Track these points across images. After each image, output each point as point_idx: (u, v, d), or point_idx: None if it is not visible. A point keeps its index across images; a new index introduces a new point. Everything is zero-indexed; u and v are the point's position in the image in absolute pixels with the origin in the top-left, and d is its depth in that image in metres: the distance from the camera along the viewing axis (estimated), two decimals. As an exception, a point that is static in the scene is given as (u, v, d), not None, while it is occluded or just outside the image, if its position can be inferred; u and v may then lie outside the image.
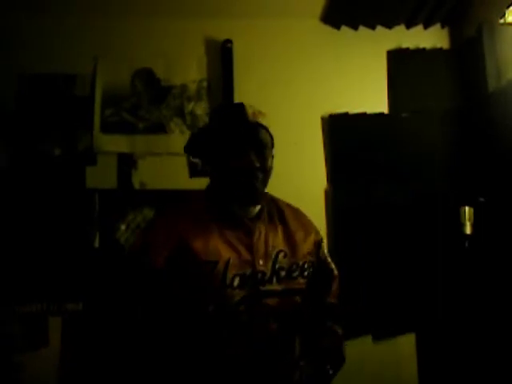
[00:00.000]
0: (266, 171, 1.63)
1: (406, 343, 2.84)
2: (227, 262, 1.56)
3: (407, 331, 2.83)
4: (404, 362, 2.83)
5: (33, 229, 2.71)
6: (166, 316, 1.60)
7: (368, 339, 2.80)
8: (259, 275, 1.60)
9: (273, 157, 1.68)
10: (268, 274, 1.61)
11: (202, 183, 2.81)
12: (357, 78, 3.01)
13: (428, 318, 2.78)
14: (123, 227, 2.76)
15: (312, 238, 1.78)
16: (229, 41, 2.94)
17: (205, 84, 2.97)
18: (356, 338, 2.72)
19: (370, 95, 3.00)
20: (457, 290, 2.67)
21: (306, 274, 1.69)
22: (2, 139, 2.81)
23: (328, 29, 3.06)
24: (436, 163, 2.92)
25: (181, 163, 2.87)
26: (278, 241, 1.68)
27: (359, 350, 2.69)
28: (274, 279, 1.62)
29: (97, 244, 2.75)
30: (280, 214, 1.76)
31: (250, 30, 2.99)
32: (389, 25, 3.04)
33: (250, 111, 1.63)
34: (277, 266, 1.63)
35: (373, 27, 3.05)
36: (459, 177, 2.84)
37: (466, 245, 2.56)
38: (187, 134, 2.89)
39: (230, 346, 1.55)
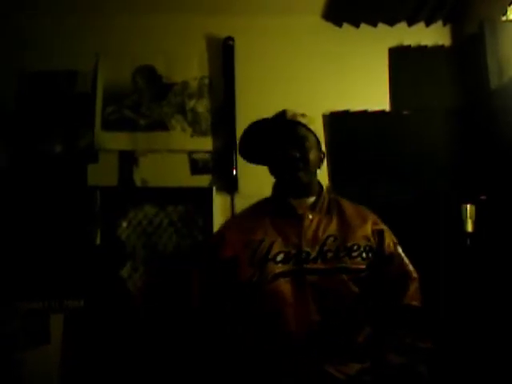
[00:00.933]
0: (308, 161, 1.84)
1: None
2: (273, 241, 1.77)
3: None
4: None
5: (34, 226, 2.72)
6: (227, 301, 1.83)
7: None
8: (303, 255, 1.75)
9: (322, 152, 1.96)
10: (313, 254, 1.76)
11: (203, 180, 2.87)
12: (358, 75, 3.00)
13: (429, 316, 2.77)
14: (124, 224, 2.77)
15: (369, 225, 1.90)
16: (230, 38, 2.94)
17: (206, 81, 2.97)
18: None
19: (372, 93, 2.99)
20: (459, 287, 2.67)
21: (354, 254, 1.79)
22: (2, 137, 2.81)
23: (329, 26, 3.06)
24: (438, 161, 2.91)
25: (182, 160, 2.87)
26: (330, 228, 1.84)
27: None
28: (319, 260, 1.76)
29: (98, 241, 2.75)
30: (339, 207, 1.93)
31: (251, 27, 2.99)
32: (390, 22, 3.04)
33: (289, 113, 1.87)
34: (324, 249, 1.77)
35: (374, 24, 3.05)
36: (461, 174, 2.84)
37: (468, 242, 2.55)
38: (188, 131, 2.90)
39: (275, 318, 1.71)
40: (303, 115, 1.90)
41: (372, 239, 1.87)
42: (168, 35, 2.96)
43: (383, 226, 1.96)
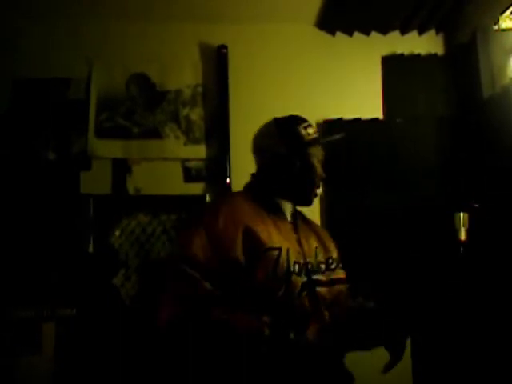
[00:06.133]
0: None
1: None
2: (288, 250, 1.66)
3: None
4: (399, 365, 2.82)
5: (27, 233, 2.70)
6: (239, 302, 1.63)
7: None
8: (309, 265, 1.71)
9: None
10: (314, 265, 1.73)
11: (196, 188, 2.86)
12: (352, 83, 3.02)
13: (423, 323, 2.78)
14: (117, 232, 2.76)
15: (330, 238, 1.93)
16: (224, 46, 2.94)
17: (200, 89, 2.97)
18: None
19: (365, 101, 3.01)
20: (452, 295, 2.68)
21: (341, 265, 1.83)
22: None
23: (323, 34, 3.08)
24: (431, 169, 2.92)
25: (175, 168, 2.88)
26: (312, 238, 1.83)
27: (354, 354, 2.68)
28: (320, 271, 1.75)
29: (91, 249, 2.74)
30: (304, 218, 1.91)
31: (245, 36, 3.00)
32: (383, 30, 3.05)
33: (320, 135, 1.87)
34: (318, 259, 1.76)
35: (367, 33, 3.06)
36: (454, 182, 2.85)
37: (461, 250, 2.56)
38: (182, 140, 2.90)
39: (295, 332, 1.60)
40: None
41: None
42: (162, 43, 2.97)
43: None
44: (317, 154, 1.82)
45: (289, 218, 1.80)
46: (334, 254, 1.86)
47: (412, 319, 2.76)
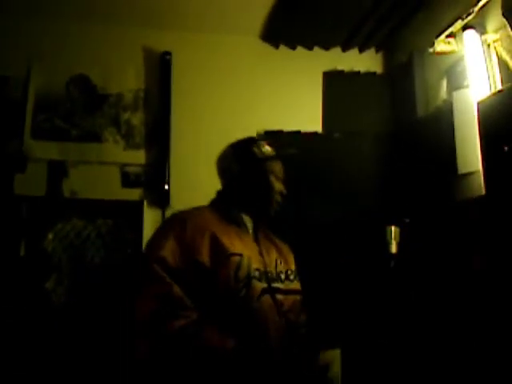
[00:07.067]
0: None
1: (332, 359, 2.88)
2: (249, 257, 1.78)
3: (333, 347, 2.87)
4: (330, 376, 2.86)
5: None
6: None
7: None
8: (269, 274, 1.83)
9: None
10: (274, 274, 1.85)
11: (133, 194, 2.84)
12: (293, 96, 3.07)
13: (354, 335, 2.83)
14: (51, 236, 2.69)
15: (290, 249, 2.07)
16: (168, 53, 2.94)
17: (142, 94, 2.95)
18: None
19: (305, 114, 3.07)
20: (382, 307, 2.74)
21: (296, 278, 1.96)
22: None
23: (267, 47, 3.12)
24: (367, 183, 3.00)
25: (114, 173, 2.84)
26: (273, 250, 1.95)
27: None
28: (279, 280, 1.86)
29: (22, 252, 2.66)
30: (266, 231, 2.02)
31: (190, 44, 3.02)
32: (326, 46, 3.13)
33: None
34: (277, 270, 1.88)
35: (310, 48, 3.13)
36: (387, 197, 2.93)
37: (392, 264, 2.63)
38: (121, 144, 2.87)
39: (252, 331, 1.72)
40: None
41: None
42: (105, 46, 2.93)
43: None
44: (273, 170, 1.95)
45: (250, 230, 1.92)
46: (293, 267, 1.99)
47: (343, 330, 2.81)
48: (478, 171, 2.27)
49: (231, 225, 1.86)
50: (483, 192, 2.22)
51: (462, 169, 2.40)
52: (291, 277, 1.93)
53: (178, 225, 1.79)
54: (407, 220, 2.64)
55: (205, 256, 1.72)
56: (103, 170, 2.82)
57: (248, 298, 1.73)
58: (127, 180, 2.84)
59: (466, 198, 2.37)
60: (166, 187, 2.80)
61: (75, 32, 2.91)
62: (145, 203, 2.81)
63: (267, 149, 1.97)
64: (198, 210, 1.91)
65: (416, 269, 2.61)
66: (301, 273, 2.78)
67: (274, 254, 1.93)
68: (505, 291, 2.02)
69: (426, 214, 2.63)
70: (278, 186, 1.95)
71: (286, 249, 2.05)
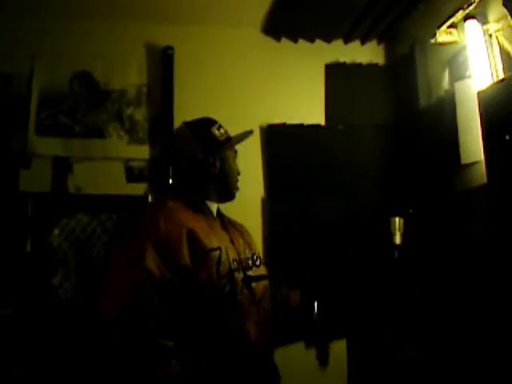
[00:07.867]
0: None
1: (338, 349, 2.89)
2: (226, 249, 1.74)
3: (339, 338, 2.89)
4: (335, 367, 2.88)
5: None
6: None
7: (301, 346, 2.84)
8: (243, 263, 1.80)
9: None
10: (245, 262, 1.81)
11: (138, 188, 2.85)
12: (295, 89, 3.08)
13: (359, 326, 2.84)
14: (56, 232, 2.71)
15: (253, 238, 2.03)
16: (170, 47, 2.94)
17: (144, 89, 2.96)
18: (289, 345, 2.76)
19: (308, 107, 3.07)
20: (387, 298, 2.75)
21: (261, 262, 1.92)
22: None
23: (268, 40, 3.12)
24: (370, 175, 3.01)
25: (118, 168, 2.85)
26: (239, 235, 1.91)
27: (292, 356, 2.72)
28: (251, 267, 1.83)
29: (28, 248, 2.68)
30: (226, 216, 1.97)
31: (191, 38, 3.01)
32: (327, 39, 3.13)
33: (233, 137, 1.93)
34: (246, 256, 1.85)
35: (312, 40, 3.13)
36: (391, 188, 2.94)
37: (396, 255, 2.64)
38: (125, 139, 2.88)
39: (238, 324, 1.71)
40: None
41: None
42: (107, 41, 2.94)
43: None
44: (231, 154, 1.92)
45: (215, 216, 1.88)
46: (256, 251, 1.96)
47: (349, 320, 2.83)
48: (481, 161, 2.26)
49: (198, 214, 1.78)
50: (485, 181, 2.21)
51: (465, 159, 2.40)
52: (257, 262, 1.89)
53: (148, 224, 1.69)
54: (411, 211, 2.65)
55: (186, 256, 1.65)
56: (107, 165, 2.83)
57: (232, 293, 1.70)
58: (131, 175, 2.85)
59: (469, 187, 2.37)
60: (170, 181, 2.80)
61: (77, 28, 2.91)
62: (149, 197, 2.82)
63: (224, 130, 1.91)
64: (163, 201, 1.83)
65: (420, 259, 2.62)
66: (306, 264, 2.82)
67: (240, 239, 1.90)
68: (509, 280, 2.03)
69: (430, 204, 2.63)
70: (236, 166, 1.93)
71: (246, 232, 2.01)
